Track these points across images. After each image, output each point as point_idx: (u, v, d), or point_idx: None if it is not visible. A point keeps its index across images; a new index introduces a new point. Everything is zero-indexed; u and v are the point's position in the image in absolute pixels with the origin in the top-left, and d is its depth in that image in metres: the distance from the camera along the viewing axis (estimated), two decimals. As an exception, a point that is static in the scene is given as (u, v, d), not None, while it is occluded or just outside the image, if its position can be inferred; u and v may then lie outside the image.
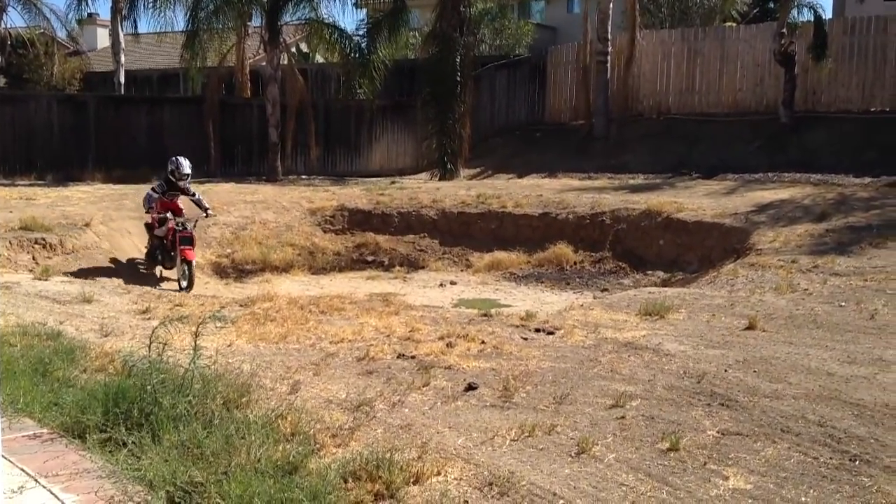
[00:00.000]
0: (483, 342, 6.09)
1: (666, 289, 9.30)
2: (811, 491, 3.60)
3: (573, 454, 4.00)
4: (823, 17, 18.25)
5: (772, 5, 27.78)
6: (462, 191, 15.75)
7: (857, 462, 3.90)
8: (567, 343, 6.18)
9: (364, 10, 25.56)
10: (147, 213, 11.21)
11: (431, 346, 5.96)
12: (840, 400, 4.78)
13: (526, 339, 6.34)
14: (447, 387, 5.05)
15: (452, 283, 11.96)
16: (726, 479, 3.73)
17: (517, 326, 6.71)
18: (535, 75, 23.06)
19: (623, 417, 4.50)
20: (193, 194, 11.60)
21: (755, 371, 5.38)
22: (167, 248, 10.99)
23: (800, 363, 5.56)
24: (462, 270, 12.98)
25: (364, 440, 4.13)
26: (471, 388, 5.04)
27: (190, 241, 10.73)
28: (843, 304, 7.23)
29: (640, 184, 16.34)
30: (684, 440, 4.14)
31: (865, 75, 18.46)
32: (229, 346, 6.03)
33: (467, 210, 14.48)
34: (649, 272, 12.11)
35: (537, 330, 6.60)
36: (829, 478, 3.74)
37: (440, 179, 19.56)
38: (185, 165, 11.20)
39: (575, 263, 12.91)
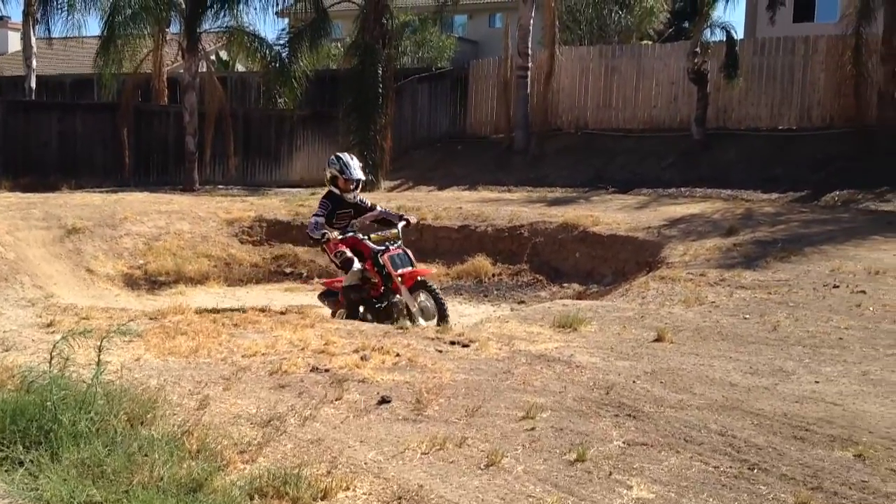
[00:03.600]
0: (398, 355, 6.09)
1: (580, 301, 9.46)
2: (711, 500, 3.71)
3: (483, 466, 4.03)
4: (735, 37, 18.84)
5: (686, 25, 28.61)
6: (382, 203, 15.71)
7: (756, 470, 4.04)
8: (481, 356, 6.22)
9: (286, 20, 25.38)
10: (321, 246, 8.51)
11: (346, 359, 5.93)
12: (741, 410, 4.93)
13: (441, 351, 6.36)
14: (360, 400, 5.03)
15: (371, 294, 11.90)
16: (630, 488, 3.81)
17: (432, 339, 6.72)
18: (457, 88, 23.20)
19: (533, 429, 4.56)
20: (373, 207, 8.56)
21: (662, 382, 5.51)
22: (376, 287, 8.13)
23: (705, 374, 5.72)
24: (381, 282, 12.95)
25: (273, 456, 4.08)
26: (384, 401, 5.04)
27: (405, 258, 8.04)
28: (748, 316, 7.48)
29: (559, 197, 16.59)
30: (591, 451, 4.22)
31: (774, 94, 19.14)
32: (137, 360, 5.88)
33: (387, 222, 14.46)
34: (565, 284, 12.30)
35: (452, 342, 6.62)
36: (728, 486, 3.86)
37: (361, 191, 19.46)
38: (355, 167, 8.19)
39: (493, 276, 13.02)
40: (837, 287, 8.36)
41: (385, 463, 4.06)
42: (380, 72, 19.81)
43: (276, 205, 15.68)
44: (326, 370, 5.66)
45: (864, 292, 8.07)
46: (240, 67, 27.15)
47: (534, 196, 16.86)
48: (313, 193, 18.08)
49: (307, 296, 11.68)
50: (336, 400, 5.01)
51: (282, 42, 21.33)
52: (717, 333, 6.93)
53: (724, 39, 18.53)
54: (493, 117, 22.43)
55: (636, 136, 19.99)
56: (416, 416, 4.77)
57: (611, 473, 3.97)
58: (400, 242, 8.14)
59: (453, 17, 31.91)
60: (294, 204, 15.63)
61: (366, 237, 8.16)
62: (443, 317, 7.81)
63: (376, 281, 8.04)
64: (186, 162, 19.79)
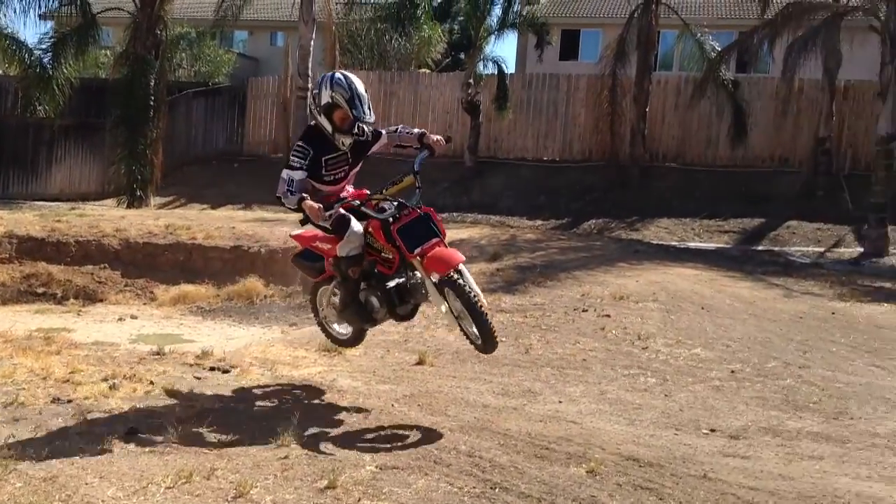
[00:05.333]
0: (151, 382, 5.84)
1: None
2: (452, 520, 3.86)
3: (230, 499, 3.96)
4: (506, 71, 19.89)
5: (462, 56, 29.75)
6: (150, 220, 15.05)
7: (497, 489, 4.23)
8: (241, 382, 6.10)
9: (50, 23, 23.75)
10: (293, 210, 5.53)
11: (93, 388, 5.60)
12: (490, 430, 5.16)
13: (199, 378, 6.17)
14: (104, 432, 4.77)
15: (133, 317, 11.33)
16: (377, 513, 3.88)
17: (191, 365, 6.51)
18: (235, 105, 22.77)
19: (286, 457, 4.53)
20: (378, 135, 5.87)
21: (419, 405, 5.66)
22: (384, 270, 5.58)
23: (460, 396, 5.94)
24: (145, 304, 12.35)
25: (-2, 497, 3.79)
26: (132, 432, 4.81)
27: (427, 226, 5.40)
28: (504, 339, 7.80)
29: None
30: (343, 477, 4.25)
31: (540, 127, 20.37)
32: None
33: (154, 240, 13.83)
34: (338, 307, 12.31)
35: (212, 368, 6.44)
36: (471, 506, 4.03)
37: (128, 207, 18.55)
38: (366, 102, 5.44)
39: (266, 297, 12.79)
40: (586, 311, 8.96)
41: (125, 500, 3.88)
42: (151, 83, 19.02)
43: (30, 219, 14.56)
44: (69, 401, 5.32)
45: (608, 316, 8.70)
46: (-4, 70, 25.04)
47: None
48: (73, 208, 17.02)
49: (61, 318, 10.95)
50: (78, 434, 4.72)
51: (44, 47, 19.93)
52: (475, 356, 7.16)
53: (496, 73, 19.48)
54: (272, 136, 22.19)
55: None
56: (164, 449, 4.59)
57: (360, 499, 4.02)
58: (418, 196, 5.53)
59: (233, 33, 31.22)
60: (50, 219, 14.59)
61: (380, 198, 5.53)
62: (486, 335, 5.33)
63: (391, 256, 5.45)
64: (-73, 170, 18.00)
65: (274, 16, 31.67)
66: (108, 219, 15.07)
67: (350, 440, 4.87)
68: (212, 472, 4.22)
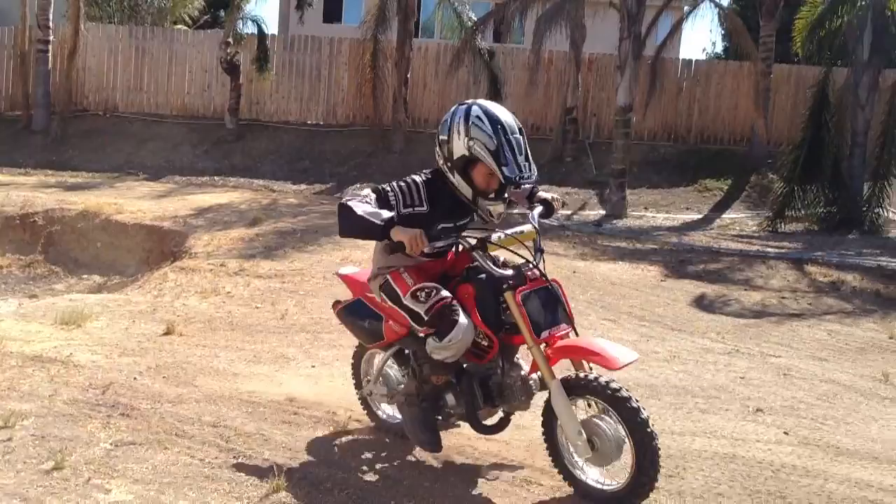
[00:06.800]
0: None
1: (91, 295, 8.94)
2: (191, 493, 3.76)
3: (-62, 489, 3.61)
4: (266, 31, 19.32)
5: (222, 13, 28.63)
6: None
7: (241, 458, 4.19)
8: (-38, 361, 5.57)
9: None
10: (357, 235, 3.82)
11: None
12: (239, 399, 5.07)
13: None
14: None
15: None
16: (108, 492, 3.71)
17: None
18: (-37, 56, 20.49)
19: (10, 440, 4.20)
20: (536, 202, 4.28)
21: (164, 377, 5.45)
22: (471, 359, 3.92)
23: (209, 365, 5.78)
24: None
25: None
26: None
27: (555, 302, 3.87)
28: (260, 305, 7.73)
29: (81, 182, 15.53)
30: (73, 457, 4.01)
31: (303, 90, 20.04)
32: None
33: None
34: (85, 276, 11.54)
35: (-74, 348, 5.82)
36: (211, 477, 3.94)
37: None
38: (507, 119, 3.82)
39: (2, 268, 11.76)
40: (343, 275, 9.00)
41: None
42: None
43: None
44: None
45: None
46: None
47: (53, 181, 15.55)
48: None
49: None
50: None
51: None
52: (228, 324, 7.05)
53: (256, 33, 18.92)
54: (8, 92, 20.24)
55: (170, 122, 19.59)
56: None
57: (90, 479, 3.82)
58: (541, 258, 3.94)
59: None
60: None
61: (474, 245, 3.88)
62: (644, 471, 3.58)
63: (487, 342, 3.87)
64: None
65: (9, -41, 28.78)
66: None
67: (84, 418, 4.59)
68: (-83, 462, 3.83)
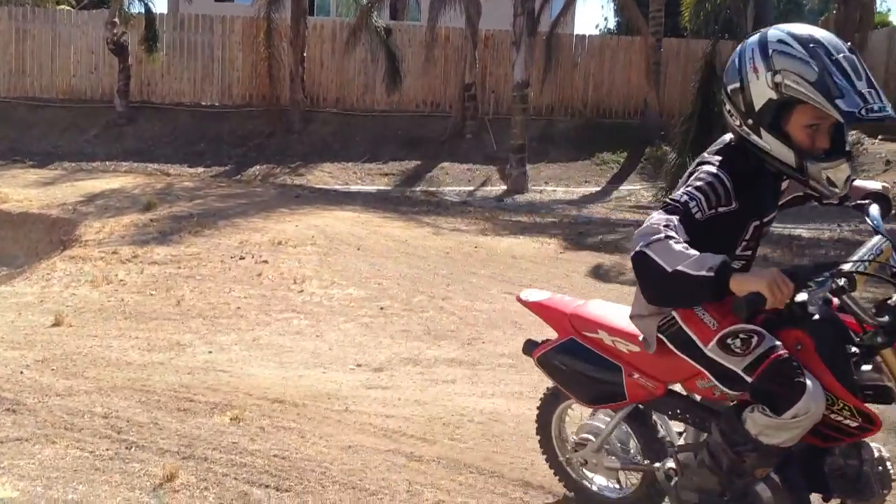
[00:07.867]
0: None
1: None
2: (80, 486, 3.64)
3: None
4: (154, 10, 18.73)
5: (108, -8, 27.60)
6: None
7: (133, 449, 4.07)
8: None
9: None
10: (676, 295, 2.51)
11: None
12: (132, 389, 4.94)
13: None
14: None
15: None
16: (-8, 491, 3.57)
17: None
18: None
19: None
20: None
21: (53, 369, 5.27)
22: (811, 440, 2.60)
23: (101, 356, 5.62)
24: None
25: None
26: None
27: None
28: (154, 292, 7.54)
29: (-39, 172, 14.82)
30: (-47, 457, 3.85)
31: (197, 71, 19.53)
32: None
33: None
34: (-31, 270, 11.06)
35: None
36: (101, 469, 3.82)
37: None
38: (825, 38, 2.50)
39: None
40: (243, 258, 8.85)
41: None
42: None
43: None
44: None
45: (266, 262, 8.67)
46: None
47: (-71, 171, 14.80)
48: None
49: None
50: None
51: None
52: (121, 312, 6.86)
53: (143, 12, 18.31)
54: None
55: (56, 106, 18.86)
56: None
57: (-29, 478, 3.67)
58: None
59: None
60: None
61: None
62: None
63: (845, 417, 2.57)
64: None
65: None
66: None
67: (-34, 416, 4.40)
68: None
